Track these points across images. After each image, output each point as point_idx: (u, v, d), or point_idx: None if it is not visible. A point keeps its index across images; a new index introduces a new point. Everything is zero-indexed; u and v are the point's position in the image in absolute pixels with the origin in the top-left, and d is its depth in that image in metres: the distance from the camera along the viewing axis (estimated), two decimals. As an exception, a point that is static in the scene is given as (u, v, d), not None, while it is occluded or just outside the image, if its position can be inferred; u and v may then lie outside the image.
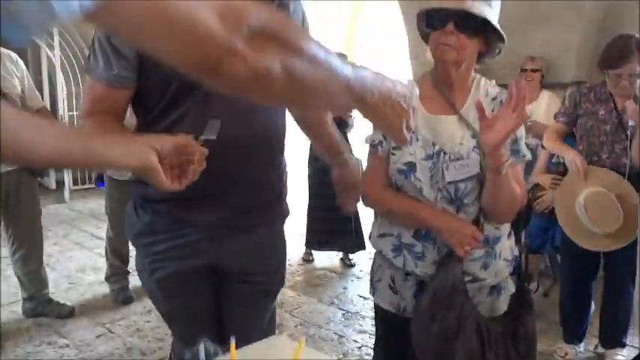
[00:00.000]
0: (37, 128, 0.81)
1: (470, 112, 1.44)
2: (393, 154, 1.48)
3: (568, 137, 2.68)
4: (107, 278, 3.37)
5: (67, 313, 3.10)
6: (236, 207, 1.38)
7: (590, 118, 2.52)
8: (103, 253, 3.45)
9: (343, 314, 3.25)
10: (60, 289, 3.53)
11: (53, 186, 6.28)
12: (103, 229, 3.84)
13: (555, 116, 2.71)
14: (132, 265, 2.97)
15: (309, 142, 2.37)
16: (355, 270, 3.98)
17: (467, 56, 1.41)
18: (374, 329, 1.87)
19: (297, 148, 1.64)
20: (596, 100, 2.52)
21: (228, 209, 1.37)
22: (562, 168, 2.89)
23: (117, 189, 3.12)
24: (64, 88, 6.04)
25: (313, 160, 3.77)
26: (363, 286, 3.34)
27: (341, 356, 2.76)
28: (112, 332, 2.96)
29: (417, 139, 1.43)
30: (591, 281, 2.69)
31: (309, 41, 0.63)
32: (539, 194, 2.94)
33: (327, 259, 4.16)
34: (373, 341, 1.82)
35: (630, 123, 2.40)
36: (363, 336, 2.95)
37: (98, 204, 5.14)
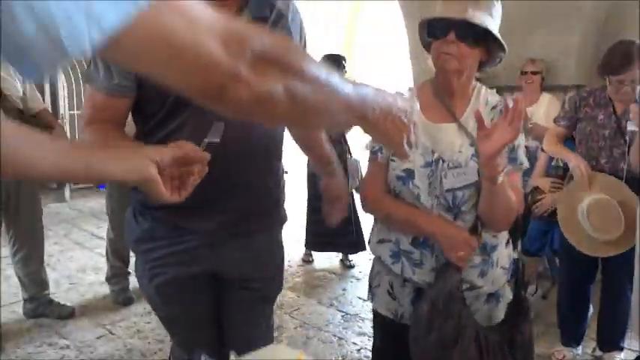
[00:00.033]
0: (36, 144, 0.82)
1: (469, 121, 1.44)
2: (393, 160, 1.49)
3: (567, 140, 2.69)
4: (108, 279, 3.38)
5: (67, 314, 3.12)
6: (235, 213, 1.39)
7: (589, 123, 2.53)
8: (104, 252, 3.46)
9: (342, 316, 3.27)
10: (60, 289, 3.55)
11: (54, 185, 6.29)
12: (103, 229, 3.86)
13: (555, 120, 2.72)
14: (132, 266, 2.98)
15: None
16: (355, 271, 4.00)
17: (468, 65, 1.42)
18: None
19: (296, 150, 1.66)
20: (595, 104, 2.53)
21: (227, 216, 1.38)
22: (561, 171, 2.90)
23: (117, 189, 3.13)
24: (65, 87, 6.05)
25: (312, 161, 3.78)
26: (363, 288, 3.35)
27: (340, 359, 2.78)
28: (112, 333, 2.98)
29: (417, 147, 1.44)
30: (589, 284, 2.70)
31: (310, 63, 0.64)
32: (538, 197, 2.94)
33: (326, 260, 4.17)
34: (372, 344, 1.84)
35: (629, 128, 2.41)
36: (362, 338, 2.96)
37: (99, 203, 5.16)
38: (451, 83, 1.44)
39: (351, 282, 3.84)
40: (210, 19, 0.52)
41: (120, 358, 2.73)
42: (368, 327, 3.03)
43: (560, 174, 2.88)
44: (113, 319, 3.14)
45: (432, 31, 1.43)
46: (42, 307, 3.10)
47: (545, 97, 3.54)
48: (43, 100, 3.64)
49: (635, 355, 2.67)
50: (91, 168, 0.88)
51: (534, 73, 3.51)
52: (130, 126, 1.38)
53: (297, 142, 1.62)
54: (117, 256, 3.32)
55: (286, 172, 2.73)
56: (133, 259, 2.75)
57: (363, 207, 1.61)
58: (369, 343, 2.80)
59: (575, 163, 2.46)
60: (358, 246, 3.89)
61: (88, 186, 6.34)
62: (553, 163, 2.95)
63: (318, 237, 3.92)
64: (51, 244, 4.21)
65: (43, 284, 3.13)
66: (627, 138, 2.40)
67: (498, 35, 1.39)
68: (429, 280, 1.47)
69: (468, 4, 1.35)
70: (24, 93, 2.87)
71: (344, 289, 3.71)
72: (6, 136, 0.75)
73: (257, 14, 1.34)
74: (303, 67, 0.62)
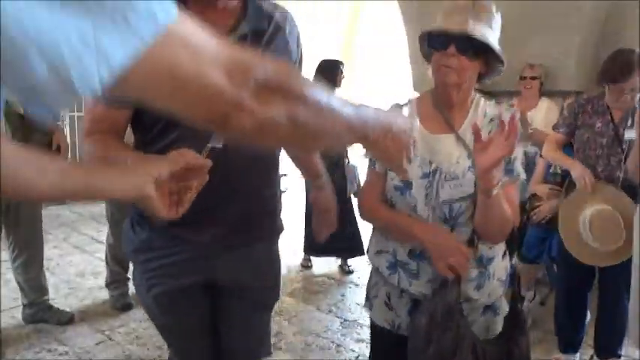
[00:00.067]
0: (36, 165, 0.83)
1: (467, 133, 1.45)
2: (390, 170, 1.50)
3: (566, 147, 2.69)
4: (107, 285, 3.39)
5: (66, 320, 3.12)
6: (232, 224, 1.40)
7: (587, 130, 2.54)
8: (103, 257, 3.46)
9: (341, 322, 3.27)
10: (60, 294, 3.55)
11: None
12: (103, 233, 3.87)
13: (555, 127, 2.73)
14: (132, 271, 2.99)
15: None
16: (353, 277, 4.00)
17: (467, 78, 1.43)
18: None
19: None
20: (593, 112, 2.54)
21: (224, 226, 1.39)
22: (559, 178, 2.91)
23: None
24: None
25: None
26: (361, 294, 3.35)
27: (338, 366, 2.78)
28: (111, 339, 2.98)
29: (415, 158, 1.45)
30: (587, 291, 2.71)
31: (311, 88, 0.65)
32: (536, 204, 2.95)
33: (325, 265, 4.17)
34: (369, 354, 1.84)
35: (626, 136, 2.42)
36: (361, 345, 2.97)
37: (99, 206, 5.15)
38: (450, 95, 1.45)
39: (350, 288, 3.85)
40: (213, 50, 0.52)
41: (119, 365, 2.74)
42: (366, 334, 3.04)
43: (559, 181, 2.90)
44: (112, 324, 3.15)
45: (433, 43, 1.44)
46: (41, 313, 3.10)
47: (544, 102, 3.55)
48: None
49: (632, 363, 2.67)
50: (90, 187, 0.89)
51: (533, 78, 3.52)
52: (128, 133, 1.39)
53: (287, 154, 1.63)
54: (116, 261, 3.32)
55: (285, 175, 2.73)
56: (132, 265, 2.76)
57: (360, 215, 1.63)
58: (367, 350, 2.80)
59: (580, 172, 2.45)
60: (356, 250, 3.89)
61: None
62: (551, 170, 2.96)
63: (317, 242, 3.91)
64: (50, 248, 4.21)
65: (43, 290, 3.14)
66: (624, 146, 2.41)
67: (498, 48, 1.40)
68: (425, 291, 1.48)
69: (469, 17, 1.36)
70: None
71: (343, 295, 3.71)
72: (6, 158, 0.76)
73: (255, 26, 1.35)
74: (305, 92, 0.63)
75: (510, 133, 1.23)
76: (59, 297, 3.48)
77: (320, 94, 0.66)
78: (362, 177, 3.30)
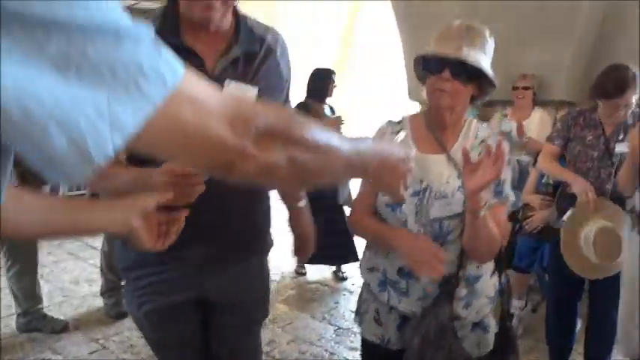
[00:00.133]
0: (22, 203, 0.83)
1: (458, 153, 1.47)
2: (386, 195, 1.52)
3: (561, 159, 2.71)
4: (102, 293, 3.39)
5: (60, 328, 3.13)
6: (223, 241, 1.42)
7: (578, 143, 2.56)
8: (98, 263, 3.47)
9: (335, 330, 3.29)
10: (54, 301, 3.55)
11: (47, 191, 6.27)
12: (98, 239, 3.87)
13: (549, 139, 2.73)
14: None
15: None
16: (347, 284, 4.02)
17: (461, 101, 1.46)
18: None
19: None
20: (585, 125, 2.56)
21: (215, 243, 1.41)
22: (551, 189, 2.93)
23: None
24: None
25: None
26: (355, 301, 3.38)
27: (331, 375, 2.80)
28: (105, 348, 2.99)
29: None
30: (577, 301, 2.74)
31: (310, 130, 0.68)
32: (529, 214, 2.98)
33: (319, 271, 4.19)
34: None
35: (617, 150, 2.44)
36: (354, 354, 2.99)
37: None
38: (444, 118, 1.48)
39: (344, 295, 3.87)
40: (217, 103, 0.54)
41: (113, 374, 2.75)
42: (360, 342, 3.05)
43: (550, 191, 2.92)
44: (106, 333, 3.16)
45: (427, 66, 1.47)
46: (35, 322, 3.11)
47: (538, 112, 3.57)
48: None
49: (621, 372, 2.70)
50: (76, 223, 0.90)
51: (525, 88, 3.55)
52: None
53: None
54: (111, 269, 3.32)
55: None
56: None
57: (349, 227, 1.67)
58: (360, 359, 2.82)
59: (583, 187, 2.43)
60: (350, 256, 3.91)
61: (82, 192, 6.33)
62: (543, 181, 2.98)
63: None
64: (44, 255, 4.21)
65: (37, 299, 3.14)
66: (615, 160, 2.44)
67: (491, 74, 1.43)
68: (414, 309, 1.50)
69: (463, 43, 1.39)
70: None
71: (336, 303, 3.73)
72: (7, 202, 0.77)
73: (247, 49, 1.37)
74: (305, 136, 0.66)
75: (498, 158, 1.25)
76: (53, 304, 3.48)
77: (319, 135, 0.68)
78: (352, 184, 3.32)
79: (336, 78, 4.12)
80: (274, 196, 1.58)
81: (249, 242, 1.50)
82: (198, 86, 0.53)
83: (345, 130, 4.01)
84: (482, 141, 1.51)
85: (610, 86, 2.35)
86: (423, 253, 1.38)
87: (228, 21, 1.35)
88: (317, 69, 4.03)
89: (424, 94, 1.54)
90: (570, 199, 2.58)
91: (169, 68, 0.49)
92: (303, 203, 1.68)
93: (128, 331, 3.16)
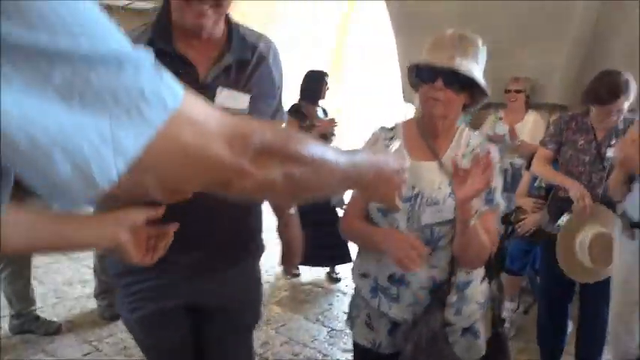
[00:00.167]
0: (8, 217, 0.83)
1: (450, 160, 1.49)
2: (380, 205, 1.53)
3: (554, 163, 2.73)
4: (96, 295, 3.39)
5: (54, 330, 3.12)
6: (214, 246, 1.43)
7: (570, 147, 2.58)
8: (91, 264, 3.46)
9: (328, 332, 3.30)
10: (47, 303, 3.54)
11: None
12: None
13: (543, 142, 2.75)
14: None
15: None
16: (341, 285, 4.04)
17: (453, 110, 1.48)
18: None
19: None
20: (577, 129, 2.58)
21: (206, 249, 1.41)
22: (543, 192, 2.95)
23: (106, 204, 3.13)
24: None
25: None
26: (348, 302, 3.40)
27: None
28: (98, 350, 2.99)
29: None
30: (568, 303, 2.77)
31: (306, 146, 0.69)
32: (521, 217, 2.99)
33: (313, 272, 4.20)
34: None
35: (608, 154, 2.46)
36: (347, 355, 3.00)
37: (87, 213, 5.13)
38: (436, 126, 1.50)
39: (338, 296, 3.88)
40: (215, 123, 0.55)
41: (106, 377, 2.74)
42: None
43: (543, 194, 2.94)
44: (100, 334, 3.15)
45: (421, 75, 1.49)
46: (28, 324, 3.10)
47: (531, 115, 3.59)
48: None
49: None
50: (64, 238, 0.90)
51: (517, 91, 3.56)
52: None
53: None
54: (105, 271, 3.31)
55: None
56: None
57: (340, 232, 1.67)
58: (353, 361, 2.84)
59: (580, 193, 2.42)
60: (344, 258, 3.92)
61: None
62: (536, 184, 3.00)
63: (305, 251, 3.93)
64: (38, 256, 4.19)
65: (30, 300, 3.14)
66: (606, 164, 2.45)
67: (484, 83, 1.45)
68: (405, 315, 1.52)
69: (456, 52, 1.40)
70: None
71: (330, 304, 3.74)
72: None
73: (239, 57, 1.38)
74: (301, 152, 0.67)
75: (486, 167, 1.27)
76: (47, 306, 3.47)
77: (315, 150, 0.70)
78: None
79: (331, 78, 4.13)
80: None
81: (240, 248, 1.51)
82: (198, 107, 0.54)
83: (339, 131, 4.03)
84: (474, 149, 1.52)
85: (603, 92, 2.36)
86: (402, 245, 1.38)
87: (220, 29, 1.36)
88: (310, 71, 4.04)
89: (417, 102, 1.56)
90: (562, 203, 2.60)
91: (170, 92, 0.50)
92: (292, 211, 1.68)
93: (121, 333, 3.16)
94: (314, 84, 3.90)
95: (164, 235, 1.06)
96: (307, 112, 3.87)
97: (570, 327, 2.86)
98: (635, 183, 2.21)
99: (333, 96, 4.37)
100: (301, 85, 3.94)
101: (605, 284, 2.43)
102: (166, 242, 1.07)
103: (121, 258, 1.02)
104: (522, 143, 3.43)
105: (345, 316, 3.42)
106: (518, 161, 3.52)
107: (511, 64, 3.55)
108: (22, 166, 0.42)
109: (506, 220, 3.08)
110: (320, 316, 3.52)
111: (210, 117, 0.55)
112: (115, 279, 1.52)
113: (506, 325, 3.19)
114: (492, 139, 3.59)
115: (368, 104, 8.04)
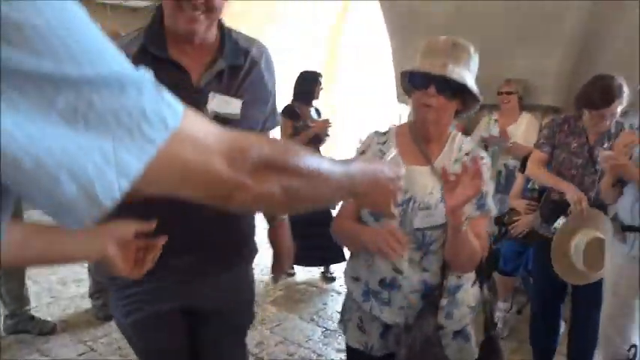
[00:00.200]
0: (7, 239, 0.84)
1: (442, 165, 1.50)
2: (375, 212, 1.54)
3: (548, 165, 2.74)
4: (91, 295, 3.39)
5: (48, 330, 3.12)
6: (208, 250, 1.43)
7: (563, 150, 2.59)
8: (86, 264, 3.46)
9: (323, 332, 3.32)
10: (42, 302, 3.54)
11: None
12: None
13: (537, 145, 2.75)
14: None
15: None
16: (335, 285, 4.05)
17: (446, 115, 1.49)
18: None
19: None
20: (569, 132, 2.59)
21: (200, 253, 1.42)
22: (537, 194, 2.97)
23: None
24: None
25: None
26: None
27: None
28: (93, 350, 2.99)
29: None
30: (560, 303, 2.79)
31: (302, 158, 0.70)
32: (514, 218, 3.01)
33: (308, 272, 4.22)
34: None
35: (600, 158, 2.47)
36: (342, 355, 3.01)
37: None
38: (429, 131, 1.51)
39: (332, 296, 3.90)
40: (215, 139, 0.57)
41: (101, 377, 2.75)
42: (347, 344, 3.09)
43: (536, 196, 2.95)
44: (94, 334, 3.16)
45: (413, 81, 1.50)
46: (23, 324, 3.10)
47: (525, 117, 3.60)
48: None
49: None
50: (52, 252, 0.91)
51: (509, 93, 3.58)
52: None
53: None
54: (99, 271, 3.32)
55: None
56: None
57: (332, 234, 1.67)
58: (347, 361, 2.85)
59: (577, 197, 2.42)
60: (338, 257, 3.93)
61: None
62: (529, 186, 3.02)
63: (299, 251, 3.94)
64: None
65: (24, 300, 3.13)
66: (598, 168, 2.47)
67: (476, 90, 1.46)
68: (398, 319, 1.53)
69: (448, 60, 1.42)
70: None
71: (325, 304, 3.76)
72: None
73: (232, 62, 1.38)
74: (298, 165, 0.69)
75: (475, 174, 1.28)
76: (41, 305, 3.47)
77: (311, 162, 0.71)
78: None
79: (325, 78, 4.14)
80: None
81: (233, 251, 1.53)
82: (197, 123, 0.55)
83: (333, 131, 4.03)
84: (467, 154, 1.54)
85: (596, 97, 2.37)
86: (382, 234, 1.38)
87: (212, 34, 1.36)
88: (304, 71, 4.05)
89: (410, 107, 1.56)
90: (555, 205, 2.62)
91: (171, 111, 0.51)
92: (283, 218, 1.69)
93: (116, 332, 3.15)
94: (307, 85, 3.91)
95: (152, 248, 1.07)
96: (301, 113, 3.88)
97: (563, 327, 2.89)
98: (627, 187, 2.23)
99: (327, 95, 4.37)
100: (294, 86, 3.95)
101: (596, 286, 2.45)
102: (154, 255, 1.08)
103: (109, 270, 1.03)
104: (515, 145, 3.45)
105: (339, 316, 3.46)
106: (512, 162, 3.54)
107: (504, 65, 3.57)
108: (27, 186, 0.43)
109: (499, 221, 3.10)
110: (314, 316, 3.53)
111: (209, 133, 0.57)
112: (109, 282, 1.52)
113: (500, 325, 3.22)
114: (487, 140, 3.61)
115: (362, 104, 8.05)
